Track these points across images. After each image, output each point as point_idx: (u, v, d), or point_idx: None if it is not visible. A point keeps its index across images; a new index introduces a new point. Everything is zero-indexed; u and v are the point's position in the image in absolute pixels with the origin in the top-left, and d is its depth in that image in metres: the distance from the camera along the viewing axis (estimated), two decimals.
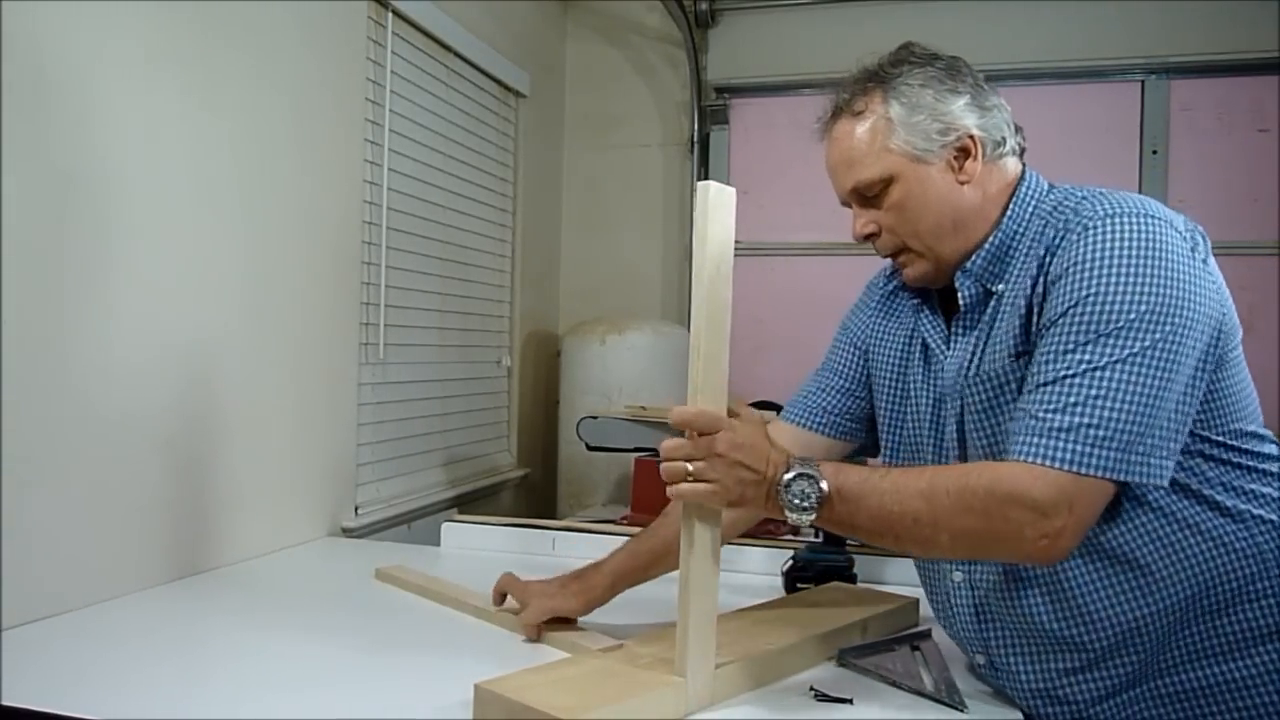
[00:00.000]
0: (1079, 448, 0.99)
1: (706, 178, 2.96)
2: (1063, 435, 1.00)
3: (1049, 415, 1.01)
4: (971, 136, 1.15)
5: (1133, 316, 1.01)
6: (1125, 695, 1.10)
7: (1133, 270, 1.02)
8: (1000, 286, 1.15)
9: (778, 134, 3.38)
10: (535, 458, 3.25)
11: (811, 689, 1.15)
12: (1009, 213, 1.17)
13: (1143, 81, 3.05)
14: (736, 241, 1.08)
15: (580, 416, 2.58)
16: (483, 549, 1.95)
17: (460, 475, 2.74)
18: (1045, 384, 1.03)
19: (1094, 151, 3.00)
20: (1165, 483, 1.03)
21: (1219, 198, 2.94)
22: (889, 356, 1.31)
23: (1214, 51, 2.97)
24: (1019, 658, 1.14)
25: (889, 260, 1.26)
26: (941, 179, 1.16)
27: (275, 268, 1.89)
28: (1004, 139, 1.18)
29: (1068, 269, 1.05)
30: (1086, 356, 1.01)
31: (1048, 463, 1.00)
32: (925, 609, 1.43)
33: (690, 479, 1.04)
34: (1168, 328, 1.01)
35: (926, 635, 1.36)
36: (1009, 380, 1.11)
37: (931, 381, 1.24)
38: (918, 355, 1.27)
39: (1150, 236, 1.03)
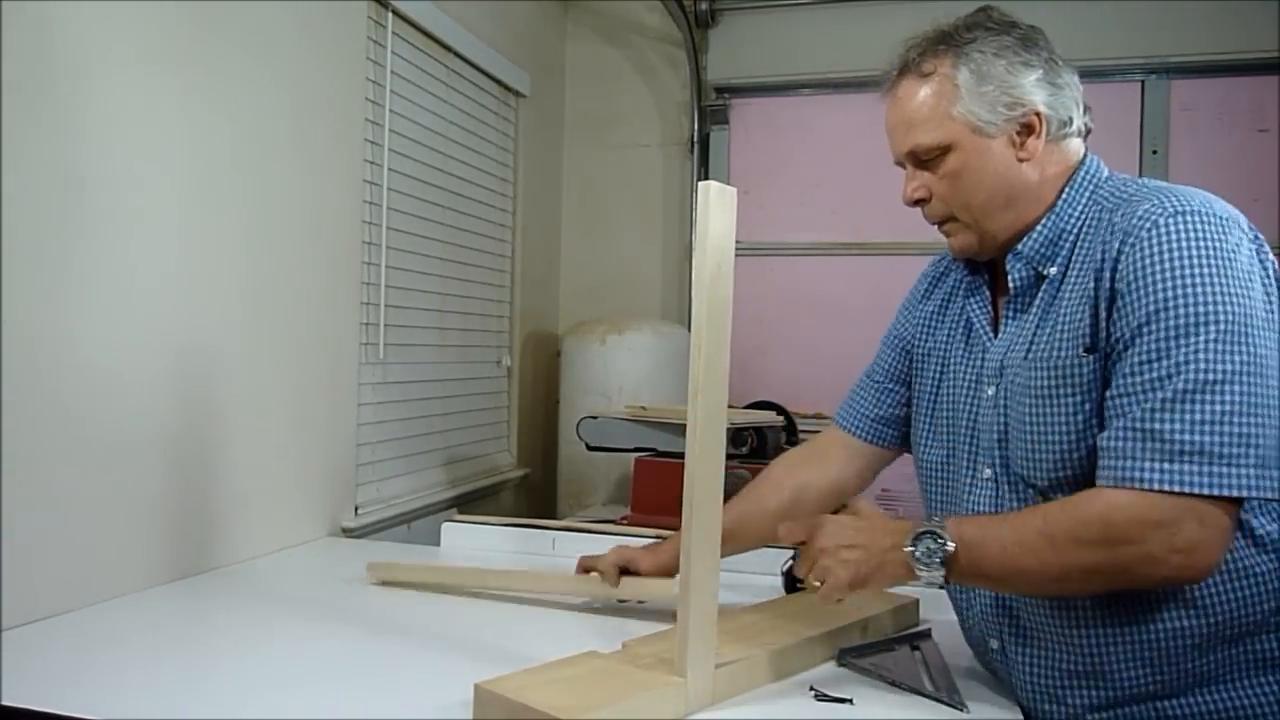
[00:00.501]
0: (1211, 468, 0.96)
1: (706, 178, 2.96)
2: (1192, 459, 0.96)
3: (1177, 437, 0.97)
4: (1038, 113, 1.13)
5: (1225, 322, 0.98)
6: (1124, 710, 1.08)
7: (1209, 271, 1.00)
8: (1052, 270, 1.14)
9: (778, 134, 3.38)
10: (535, 458, 3.25)
11: (811, 689, 1.15)
12: (1064, 196, 1.15)
13: (1143, 81, 3.05)
14: (737, 241, 1.08)
15: (580, 416, 2.58)
16: (483, 549, 1.95)
17: (460, 475, 2.74)
18: (1166, 401, 0.98)
19: (1094, 151, 2.98)
20: (1278, 496, 0.99)
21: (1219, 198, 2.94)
22: (934, 340, 1.31)
23: (1214, 51, 2.97)
24: (1029, 650, 1.13)
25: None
26: (1001, 154, 1.14)
27: (275, 268, 1.89)
28: (1070, 118, 1.16)
29: (1141, 270, 1.02)
30: (1195, 371, 0.97)
31: (1177, 488, 0.96)
32: (925, 609, 1.44)
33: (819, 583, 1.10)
34: (1259, 334, 0.99)
35: (926, 635, 1.35)
36: (1074, 372, 1.07)
37: (970, 362, 1.22)
38: (960, 335, 1.26)
39: (1220, 235, 1.02)
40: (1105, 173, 1.18)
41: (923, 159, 1.17)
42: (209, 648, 1.34)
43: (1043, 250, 1.15)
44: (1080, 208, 1.14)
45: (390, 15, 2.31)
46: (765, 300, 3.30)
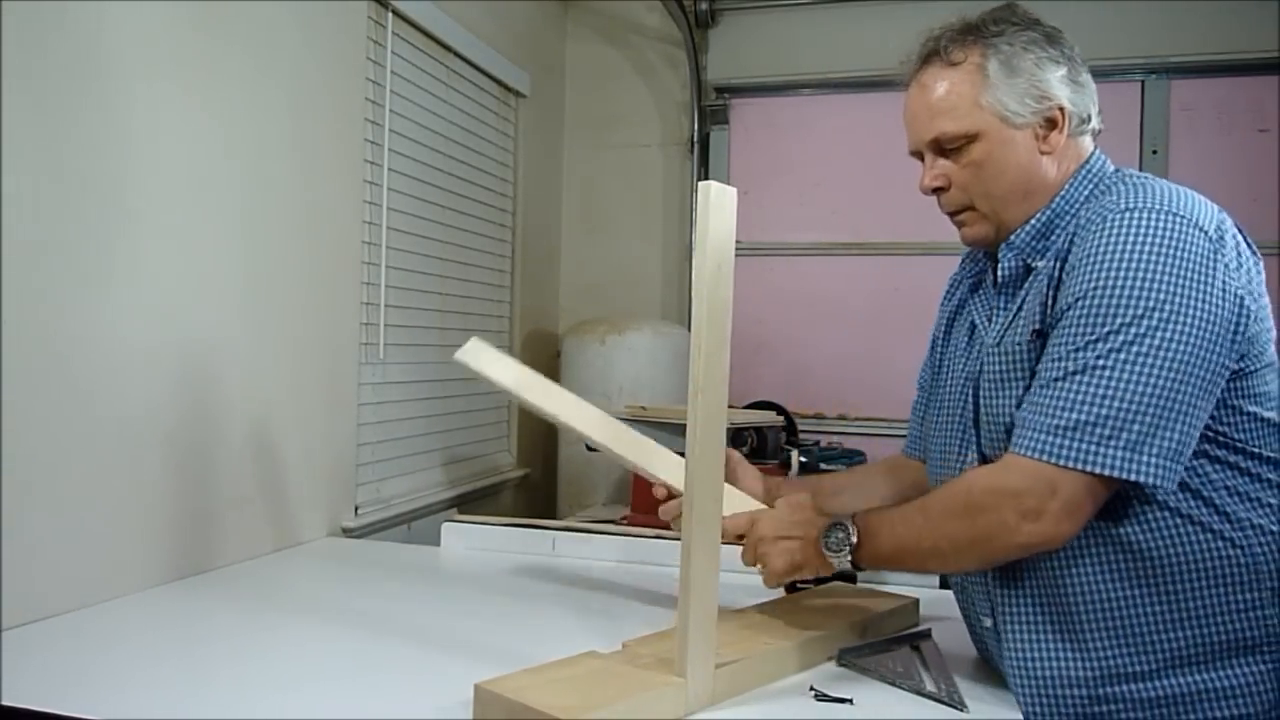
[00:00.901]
0: (1077, 444, 1.01)
1: (706, 178, 2.96)
2: (1061, 433, 1.01)
3: (1055, 412, 1.03)
4: (1061, 109, 1.16)
5: (1139, 312, 1.01)
6: (1102, 691, 1.08)
7: (1141, 265, 1.02)
8: (1040, 263, 1.16)
9: (778, 134, 3.38)
10: (535, 458, 3.25)
11: (811, 689, 1.15)
12: (1063, 192, 1.17)
13: (1143, 81, 3.05)
14: (737, 241, 1.08)
15: None
16: (483, 549, 1.95)
17: (460, 475, 2.74)
18: (1055, 379, 1.04)
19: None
20: (1172, 485, 1.02)
21: (1219, 198, 2.87)
22: (950, 338, 1.33)
23: (1214, 51, 2.97)
24: (1017, 622, 1.14)
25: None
26: (1025, 145, 1.16)
27: (275, 267, 1.89)
28: (1089, 116, 1.19)
29: (1081, 260, 1.06)
30: (1094, 353, 1.02)
31: (1037, 456, 1.02)
32: (925, 609, 1.44)
33: (761, 569, 1.23)
34: (1176, 327, 1.01)
35: (926, 635, 1.35)
36: (1023, 357, 1.12)
37: (969, 355, 1.24)
38: (964, 333, 1.28)
39: (1167, 233, 1.04)
40: (1110, 168, 1.20)
41: (945, 147, 1.19)
42: (209, 648, 1.34)
43: (1032, 242, 1.17)
44: (1075, 203, 1.17)
45: (390, 15, 2.31)
46: (765, 300, 3.30)
